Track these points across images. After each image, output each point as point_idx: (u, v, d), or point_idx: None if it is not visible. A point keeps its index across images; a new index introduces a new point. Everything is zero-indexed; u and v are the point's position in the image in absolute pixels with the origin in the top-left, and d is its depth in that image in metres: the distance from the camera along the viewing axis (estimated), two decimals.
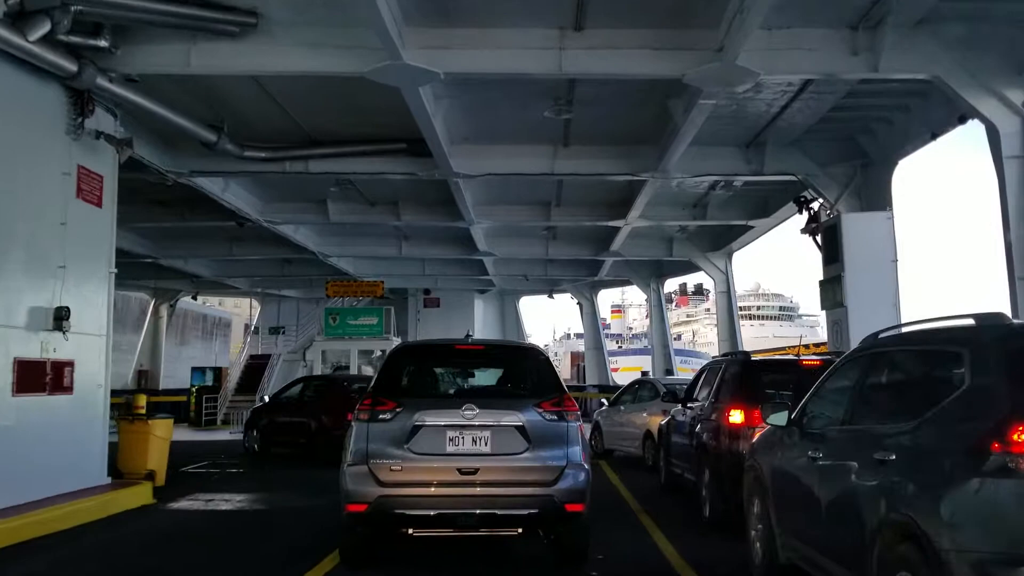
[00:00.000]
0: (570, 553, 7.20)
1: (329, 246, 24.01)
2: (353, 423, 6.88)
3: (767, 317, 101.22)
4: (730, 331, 23.67)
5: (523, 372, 7.84)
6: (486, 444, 6.71)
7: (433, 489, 6.59)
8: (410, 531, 6.73)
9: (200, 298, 44.39)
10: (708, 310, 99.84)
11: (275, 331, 34.56)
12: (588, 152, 14.36)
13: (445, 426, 6.70)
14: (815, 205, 14.72)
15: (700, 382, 10.77)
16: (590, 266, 27.79)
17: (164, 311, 33.47)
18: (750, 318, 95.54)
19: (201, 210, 19.14)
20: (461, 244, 23.91)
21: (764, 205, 18.96)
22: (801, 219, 15.10)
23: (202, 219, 19.41)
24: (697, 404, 10.40)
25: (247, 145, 13.81)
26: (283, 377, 32.10)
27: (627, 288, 40.48)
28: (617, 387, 32.54)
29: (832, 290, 13.65)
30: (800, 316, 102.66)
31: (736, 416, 8.58)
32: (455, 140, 13.97)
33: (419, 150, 13.81)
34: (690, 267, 26.67)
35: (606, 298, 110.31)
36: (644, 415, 14.84)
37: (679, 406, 11.38)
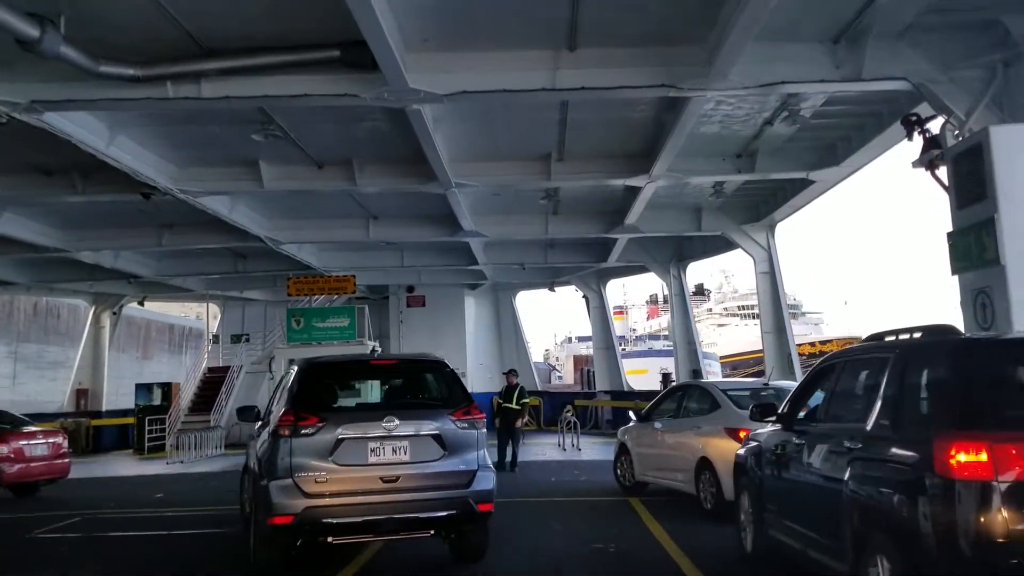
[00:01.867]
0: (472, 552, 7.90)
1: (280, 230, 19.53)
2: (272, 438, 7.20)
3: None
4: (776, 321, 19.22)
5: (433, 384, 8.34)
6: (405, 453, 7.27)
7: (358, 498, 7.02)
8: (329, 539, 7.09)
9: (158, 305, 40.02)
10: (710, 311, 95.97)
11: (237, 339, 30.03)
12: (603, 57, 9.87)
13: (367, 438, 7.20)
14: (933, 125, 10.29)
15: (835, 388, 6.30)
16: (598, 249, 23.36)
17: (106, 319, 28.95)
18: (753, 317, 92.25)
19: (97, 179, 14.70)
20: (442, 224, 19.48)
21: (833, 150, 14.54)
22: (877, 165, 10.70)
23: (100, 191, 14.92)
24: (831, 427, 5.95)
25: (106, 58, 9.37)
26: (245, 392, 27.66)
27: (628, 284, 35.69)
28: (632, 393, 28.28)
29: (974, 242, 9.19)
30: (804, 314, 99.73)
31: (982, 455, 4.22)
32: (412, 44, 9.56)
33: (358, 59, 9.38)
34: (719, 246, 22.23)
35: (616, 291, 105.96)
36: (697, 436, 10.40)
37: (777, 426, 6.94)
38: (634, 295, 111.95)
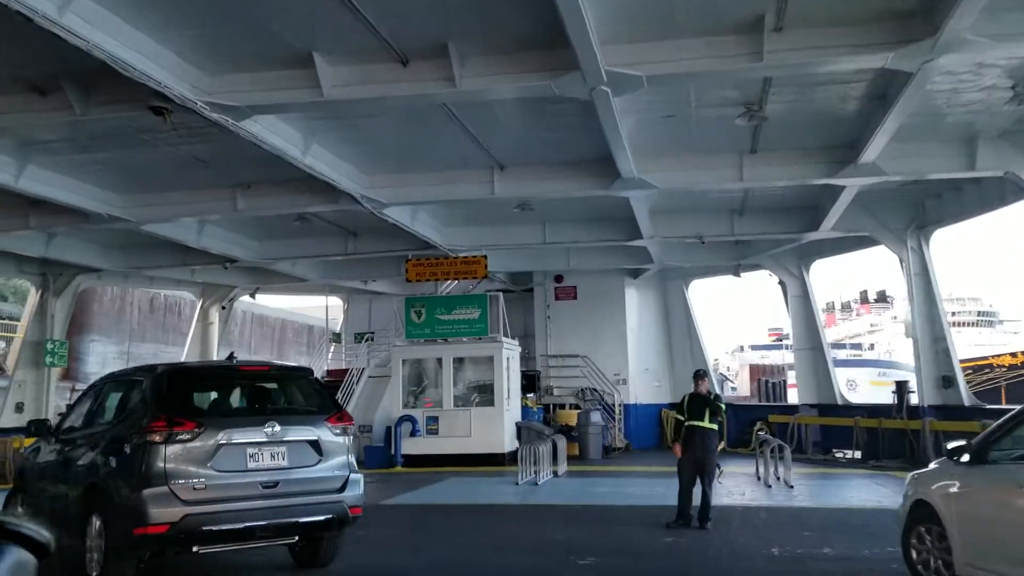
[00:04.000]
0: (323, 558, 8.03)
1: (380, 187, 14.78)
2: (140, 445, 6.90)
3: (963, 324, 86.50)
4: None
5: (302, 391, 8.34)
6: (284, 458, 7.32)
7: (239, 504, 6.95)
8: (196, 549, 6.94)
9: (296, 305, 37.01)
10: (895, 318, 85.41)
11: (360, 338, 25.88)
12: None
13: (246, 444, 7.14)
14: None
15: None
16: (804, 215, 17.34)
17: (215, 314, 25.52)
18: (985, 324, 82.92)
19: (100, 96, 10.36)
20: (592, 171, 14.23)
21: None
22: None
23: (106, 110, 10.55)
24: None
25: None
26: (366, 399, 23.39)
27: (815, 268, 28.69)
28: (850, 406, 21.76)
29: None
30: (1000, 322, 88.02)
31: None
32: None
33: None
34: (983, 199, 15.68)
35: (821, 275, 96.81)
36: None
37: None
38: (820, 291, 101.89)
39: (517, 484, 14.79)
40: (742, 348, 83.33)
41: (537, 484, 14.93)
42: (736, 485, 14.34)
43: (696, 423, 10.50)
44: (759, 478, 15.00)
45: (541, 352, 24.51)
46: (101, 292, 27.35)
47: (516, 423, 20.29)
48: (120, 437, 7.28)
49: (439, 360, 20.35)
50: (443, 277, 20.37)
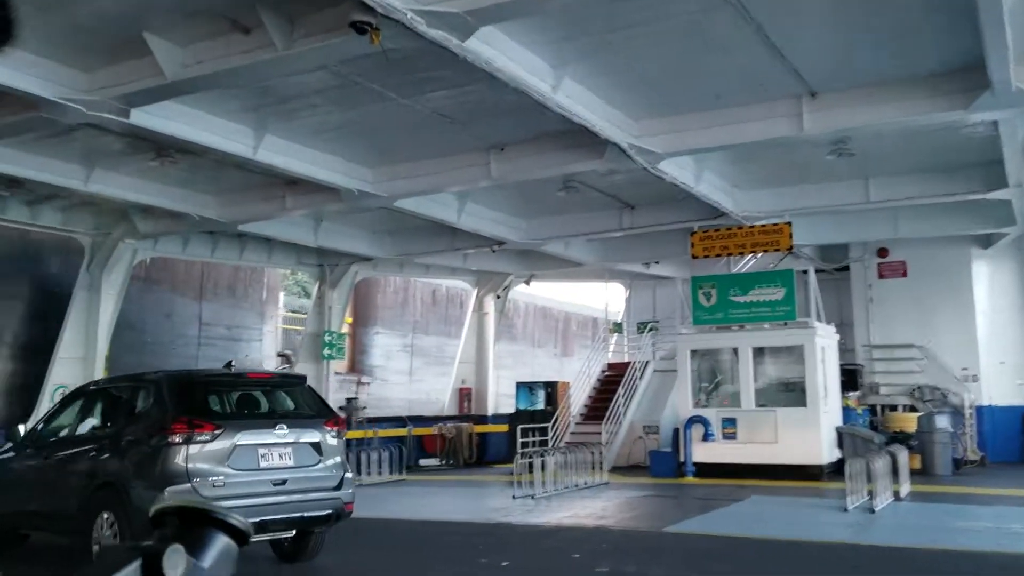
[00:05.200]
0: (310, 552, 8.54)
1: (652, 135, 11.92)
2: (160, 446, 7.48)
3: None
4: None
5: (302, 397, 9.02)
6: (290, 458, 8.02)
7: (253, 500, 7.55)
8: None
9: (578, 296, 35.23)
10: None
11: (643, 328, 23.18)
12: None
13: (258, 445, 7.84)
14: None
15: None
16: None
17: (490, 304, 24.14)
18: None
19: (305, 25, 8.63)
20: (944, 86, 10.33)
21: None
22: None
23: (311, 40, 8.82)
24: None
25: None
26: (651, 396, 20.74)
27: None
28: None
29: None
30: None
31: None
32: None
33: None
34: None
35: None
36: None
37: None
38: None
39: (846, 511, 11.21)
40: None
41: (874, 511, 11.23)
42: None
43: None
44: None
45: (862, 342, 20.18)
46: (384, 284, 27.25)
47: (836, 428, 16.47)
48: (138, 439, 7.86)
49: (735, 350, 17.04)
50: (737, 251, 17.02)
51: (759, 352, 16.84)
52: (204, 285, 21.55)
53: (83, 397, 9.36)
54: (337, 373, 23.38)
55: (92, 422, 8.94)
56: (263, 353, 23.80)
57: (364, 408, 21.45)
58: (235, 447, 7.60)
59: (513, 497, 13.77)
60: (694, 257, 17.09)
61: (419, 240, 19.43)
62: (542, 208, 17.37)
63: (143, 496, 7.25)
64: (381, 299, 27.33)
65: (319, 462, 8.18)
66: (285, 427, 8.02)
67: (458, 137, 12.68)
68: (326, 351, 20.60)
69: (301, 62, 8.80)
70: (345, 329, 24.49)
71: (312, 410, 8.74)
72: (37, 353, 16.65)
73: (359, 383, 25.28)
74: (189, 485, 7.26)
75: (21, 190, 14.34)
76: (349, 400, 21.20)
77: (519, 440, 18.25)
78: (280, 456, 7.90)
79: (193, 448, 7.41)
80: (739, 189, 15.97)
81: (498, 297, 24.08)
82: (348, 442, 20.58)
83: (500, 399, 23.89)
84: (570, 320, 38.04)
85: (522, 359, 32.06)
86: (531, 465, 14.68)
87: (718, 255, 17.02)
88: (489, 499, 14.63)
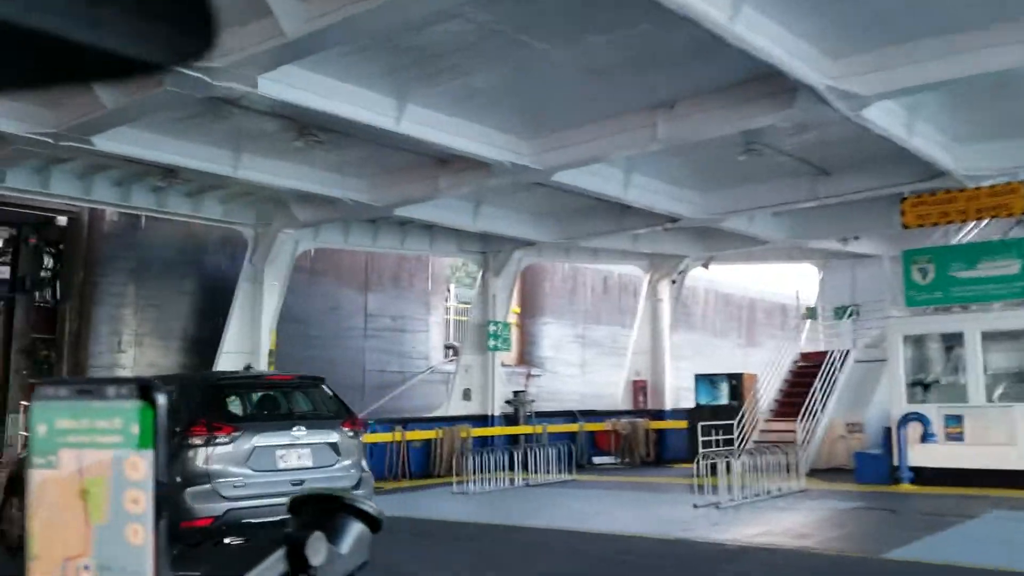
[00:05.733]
0: None
1: (853, 74, 9.83)
2: (182, 447, 7.57)
3: None
4: None
5: (320, 398, 9.18)
6: (308, 459, 8.17)
7: (273, 499, 7.42)
8: (227, 540, 7.70)
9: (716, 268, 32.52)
10: None
11: (842, 313, 20.57)
12: None
13: (276, 446, 8.02)
14: None
15: None
16: None
17: (664, 290, 22.28)
18: None
19: None
20: None
21: None
22: None
23: None
24: None
25: None
26: (854, 388, 18.31)
27: None
28: None
29: None
30: None
31: None
32: None
33: None
34: None
35: None
36: None
37: None
38: None
39: None
40: None
41: None
42: None
43: None
44: None
45: None
46: (552, 272, 26.04)
47: None
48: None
49: (958, 336, 14.38)
50: (959, 219, 14.36)
51: (989, 337, 14.10)
52: (369, 276, 21.16)
53: None
54: (505, 365, 22.40)
55: None
56: (430, 345, 23.22)
57: (532, 401, 20.32)
58: (254, 448, 7.83)
59: (695, 506, 12.06)
60: (905, 227, 14.57)
61: (584, 221, 17.97)
62: (720, 178, 15.43)
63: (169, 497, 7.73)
64: (549, 287, 26.14)
65: (337, 462, 8.33)
66: (303, 428, 8.22)
67: (620, 94, 11.13)
68: (491, 342, 19.60)
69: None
70: (512, 320, 23.49)
71: (330, 411, 8.87)
72: (208, 348, 16.66)
73: (528, 376, 24.20)
74: (210, 486, 7.49)
75: (179, 181, 14.19)
76: (516, 393, 20.14)
77: (700, 438, 16.46)
78: (298, 457, 8.09)
79: (213, 449, 7.62)
80: (960, 143, 13.35)
81: (673, 282, 22.19)
82: (515, 438, 19.97)
83: (678, 393, 22.01)
84: (754, 307, 35.34)
85: (701, 350, 29.86)
86: (714, 467, 12.92)
87: (935, 224, 14.43)
88: (667, 507, 12.98)
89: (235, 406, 8.82)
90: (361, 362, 20.77)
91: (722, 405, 18.84)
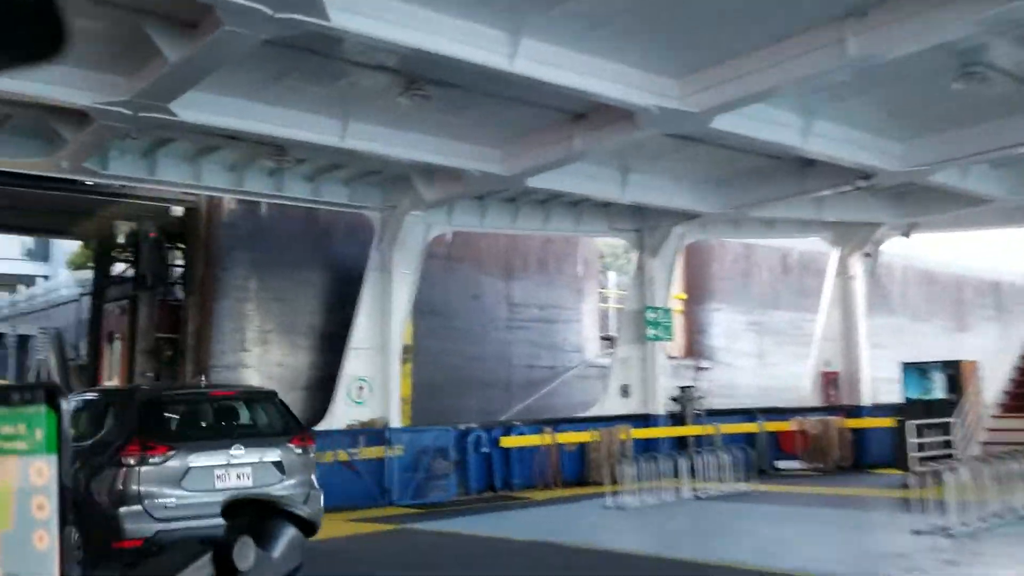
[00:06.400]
0: None
1: None
2: (116, 467, 7.71)
3: None
4: None
5: (269, 412, 9.02)
6: (248, 479, 8.06)
7: (207, 520, 7.06)
8: None
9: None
10: None
11: None
12: None
13: (213, 466, 7.93)
14: None
15: None
16: None
17: (856, 267, 19.01)
18: None
19: None
20: None
21: None
22: None
23: None
24: None
25: None
26: None
27: None
28: None
29: None
30: None
31: None
32: None
33: None
34: None
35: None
36: None
37: None
38: None
39: None
40: None
41: None
42: None
43: None
44: None
45: None
46: (721, 251, 23.24)
47: None
48: (97, 458, 7.96)
49: None
50: None
51: None
52: (511, 261, 19.33)
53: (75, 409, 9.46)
54: (671, 357, 19.98)
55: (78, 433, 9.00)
56: (583, 336, 21.09)
57: (702, 398, 17.79)
58: (188, 468, 7.75)
59: (915, 532, 9.28)
60: None
61: (755, 186, 15.24)
62: (925, 119, 12.36)
63: (103, 516, 7.55)
64: (718, 269, 23.36)
65: (280, 481, 8.17)
66: (242, 447, 8.09)
67: (794, 5, 8.58)
68: (650, 331, 17.23)
69: None
70: (677, 306, 20.99)
71: (278, 427, 8.71)
72: (338, 343, 15.37)
73: (697, 368, 21.59)
74: (140, 507, 7.50)
75: (291, 162, 12.89)
76: (683, 389, 17.66)
77: (910, 439, 13.42)
78: (238, 476, 7.96)
79: (146, 469, 7.58)
80: None
81: (867, 255, 18.89)
82: (682, 440, 17.44)
83: (877, 385, 18.71)
84: (962, 285, 30.78)
85: (902, 336, 25.99)
86: (938, 477, 10.08)
87: None
88: (874, 532, 10.24)
89: (175, 423, 8.55)
90: (507, 356, 18.98)
91: (937, 400, 15.55)
